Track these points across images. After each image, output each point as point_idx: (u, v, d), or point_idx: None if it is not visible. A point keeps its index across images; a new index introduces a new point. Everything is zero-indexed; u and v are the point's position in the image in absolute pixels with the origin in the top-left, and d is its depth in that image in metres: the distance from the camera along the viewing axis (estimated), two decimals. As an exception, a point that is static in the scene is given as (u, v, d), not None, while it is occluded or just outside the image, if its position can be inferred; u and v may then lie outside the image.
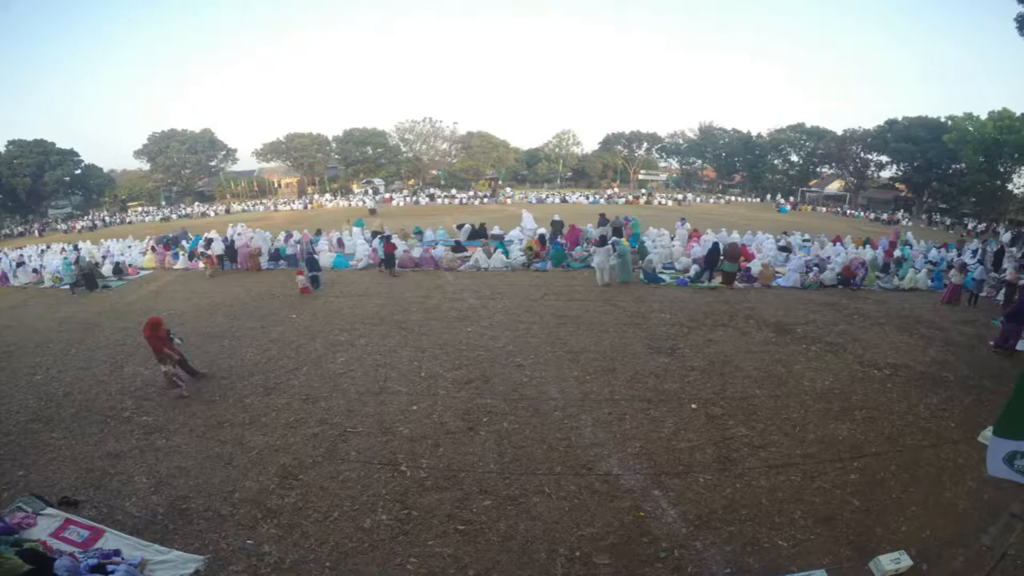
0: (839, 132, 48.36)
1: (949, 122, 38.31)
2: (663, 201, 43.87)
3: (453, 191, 48.91)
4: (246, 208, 45.27)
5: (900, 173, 44.25)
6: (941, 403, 6.75)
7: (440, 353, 8.29)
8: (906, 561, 3.92)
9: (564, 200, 43.57)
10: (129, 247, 21.21)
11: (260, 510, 4.68)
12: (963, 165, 37.10)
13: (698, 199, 47.87)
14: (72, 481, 5.17)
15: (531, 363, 7.84)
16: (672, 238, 18.81)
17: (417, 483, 5.04)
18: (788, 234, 20.59)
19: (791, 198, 46.50)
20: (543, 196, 46.12)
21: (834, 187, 50.61)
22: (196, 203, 50.64)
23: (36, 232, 38.83)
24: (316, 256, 14.57)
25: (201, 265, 15.97)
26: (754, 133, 56.69)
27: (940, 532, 4.41)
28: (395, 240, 16.73)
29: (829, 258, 15.56)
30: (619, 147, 65.28)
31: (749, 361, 8.03)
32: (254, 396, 6.97)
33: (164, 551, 4.15)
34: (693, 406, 6.56)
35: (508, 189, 50.91)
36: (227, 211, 43.64)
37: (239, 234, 20.02)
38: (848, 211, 40.52)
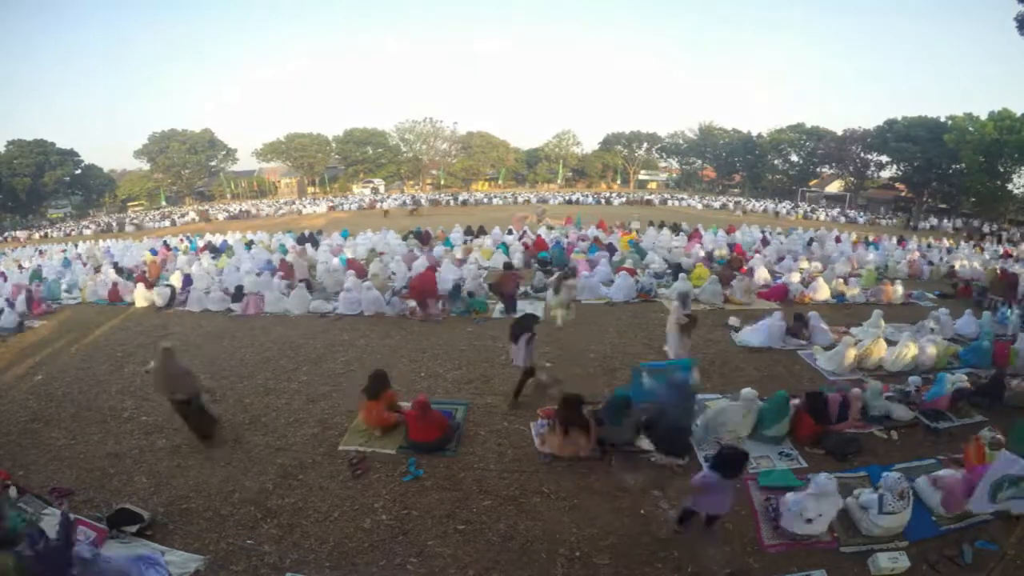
0: (839, 132, 48.34)
1: (949, 122, 38.26)
2: (676, 202, 42.54)
3: (456, 193, 48.78)
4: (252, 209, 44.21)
5: (900, 173, 44.19)
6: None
7: (440, 353, 8.29)
8: (904, 561, 3.92)
9: (569, 201, 43.36)
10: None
11: (260, 510, 4.69)
12: (963, 165, 37.05)
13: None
14: (72, 481, 5.17)
15: (531, 363, 7.81)
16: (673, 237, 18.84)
17: (417, 483, 5.05)
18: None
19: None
20: (543, 196, 46.06)
21: (834, 187, 50.63)
22: (191, 209, 46.98)
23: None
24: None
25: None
26: (754, 133, 56.70)
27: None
28: (390, 237, 16.72)
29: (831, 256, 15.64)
30: (619, 147, 65.28)
31: (749, 361, 8.03)
32: (254, 396, 6.97)
33: (164, 551, 4.15)
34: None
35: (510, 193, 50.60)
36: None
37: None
38: (848, 213, 40.26)
